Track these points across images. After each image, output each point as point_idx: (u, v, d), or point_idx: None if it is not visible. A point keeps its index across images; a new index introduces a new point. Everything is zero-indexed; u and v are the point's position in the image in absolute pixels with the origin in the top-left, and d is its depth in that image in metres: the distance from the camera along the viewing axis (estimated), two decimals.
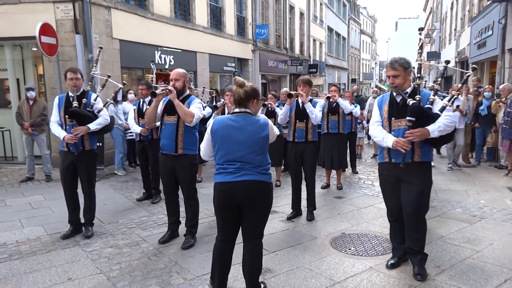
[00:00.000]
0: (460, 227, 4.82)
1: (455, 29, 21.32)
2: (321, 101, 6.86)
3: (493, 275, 3.58)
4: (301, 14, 25.01)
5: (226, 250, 3.20)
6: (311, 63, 26.69)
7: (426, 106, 3.46)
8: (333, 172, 7.21)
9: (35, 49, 8.78)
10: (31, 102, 7.55)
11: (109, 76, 5.09)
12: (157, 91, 4.07)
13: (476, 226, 4.85)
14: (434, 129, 3.35)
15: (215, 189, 3.11)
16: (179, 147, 4.20)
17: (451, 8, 23.04)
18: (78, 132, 4.49)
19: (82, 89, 4.72)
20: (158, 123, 4.48)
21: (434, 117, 3.40)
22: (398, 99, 3.58)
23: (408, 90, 3.56)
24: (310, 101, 5.34)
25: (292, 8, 23.07)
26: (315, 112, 5.19)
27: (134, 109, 6.24)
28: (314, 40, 28.31)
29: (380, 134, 3.59)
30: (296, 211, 5.38)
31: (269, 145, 3.51)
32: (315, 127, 5.34)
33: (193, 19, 13.09)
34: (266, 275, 3.61)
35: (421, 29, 4.02)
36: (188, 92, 4.38)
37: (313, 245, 4.34)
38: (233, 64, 16.23)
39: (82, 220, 4.82)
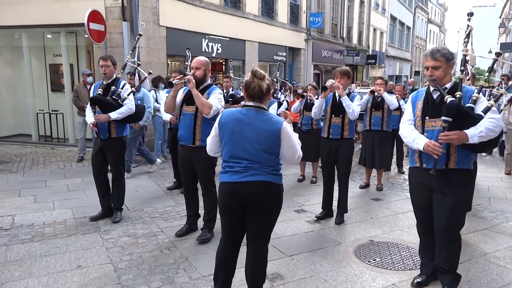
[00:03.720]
0: (510, 244, 4.21)
1: None
2: (365, 96, 6.40)
3: None
4: (361, 2, 23.87)
5: (230, 254, 2.99)
6: (370, 53, 25.52)
7: (467, 105, 2.97)
8: (375, 171, 6.71)
9: (87, 36, 9.08)
10: (88, 87, 7.87)
11: (138, 65, 5.06)
12: (174, 81, 3.93)
13: None
14: (474, 134, 2.85)
15: (220, 189, 2.89)
16: (197, 138, 4.03)
17: None
18: (99, 119, 4.50)
19: (114, 76, 4.72)
20: None
21: (475, 119, 2.90)
22: (435, 95, 3.11)
23: (448, 85, 3.07)
24: (348, 94, 4.93)
25: None
26: (352, 107, 4.77)
27: (166, 97, 6.17)
28: (375, 30, 26.97)
29: (411, 135, 3.14)
30: (326, 212, 5.04)
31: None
32: (352, 123, 4.92)
33: (243, 7, 12.88)
34: (275, 282, 3.35)
35: (470, 14, 3.40)
36: (209, 81, 4.18)
37: (334, 252, 3.99)
38: (284, 54, 15.83)
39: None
